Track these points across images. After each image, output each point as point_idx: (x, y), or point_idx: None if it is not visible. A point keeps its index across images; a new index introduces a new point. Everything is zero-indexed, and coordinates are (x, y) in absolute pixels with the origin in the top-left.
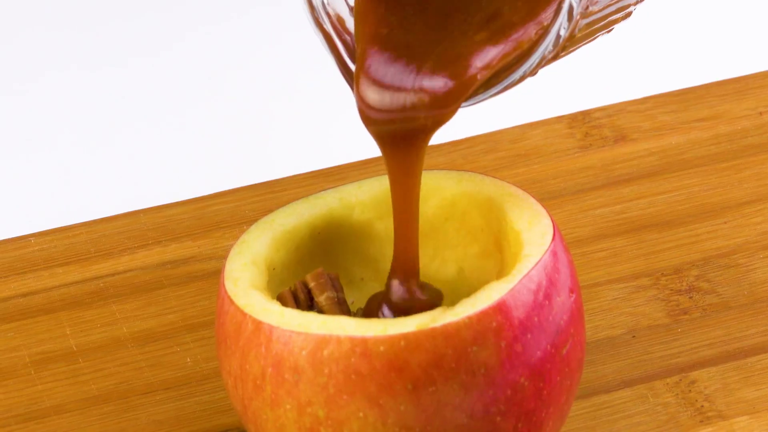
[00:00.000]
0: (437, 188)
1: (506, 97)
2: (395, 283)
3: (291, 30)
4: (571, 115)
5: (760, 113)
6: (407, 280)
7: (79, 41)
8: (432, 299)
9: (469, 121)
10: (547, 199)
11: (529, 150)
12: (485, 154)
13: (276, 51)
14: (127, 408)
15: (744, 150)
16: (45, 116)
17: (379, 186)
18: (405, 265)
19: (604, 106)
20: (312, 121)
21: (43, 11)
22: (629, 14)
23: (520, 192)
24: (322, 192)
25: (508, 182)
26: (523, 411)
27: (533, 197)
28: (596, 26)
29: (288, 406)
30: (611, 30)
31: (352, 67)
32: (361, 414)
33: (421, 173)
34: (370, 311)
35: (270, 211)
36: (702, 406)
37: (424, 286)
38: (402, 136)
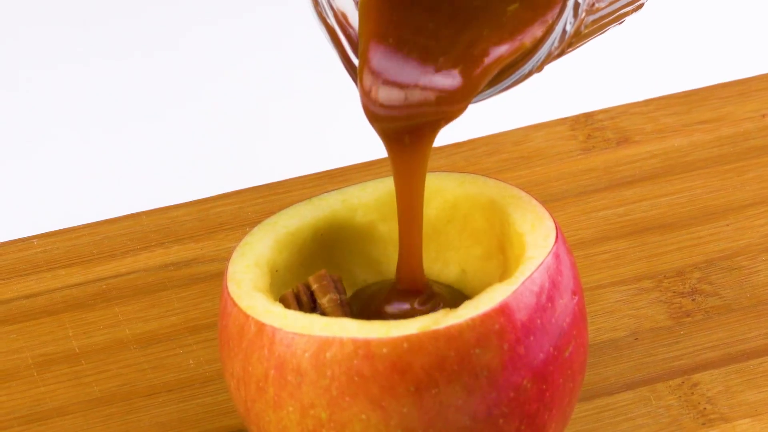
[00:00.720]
0: (439, 190)
1: (509, 99)
2: (401, 281)
3: (294, 31)
4: (573, 117)
5: (763, 115)
6: (412, 279)
7: (81, 42)
8: (436, 296)
9: (471, 123)
10: (550, 201)
11: (531, 152)
12: (488, 156)
13: (279, 52)
14: (129, 410)
15: (747, 152)
16: (47, 117)
17: (383, 188)
18: (409, 262)
19: (607, 108)
20: (315, 122)
21: (44, 12)
22: (641, 6)
23: (522, 194)
24: (325, 194)
25: (510, 184)
26: (525, 413)
27: (536, 199)
28: (604, 21)
29: (291, 408)
30: (623, 22)
31: (356, 62)
32: (363, 416)
33: (425, 171)
34: (372, 304)
35: (273, 212)
36: (704, 408)
37: (429, 286)
38: (408, 133)
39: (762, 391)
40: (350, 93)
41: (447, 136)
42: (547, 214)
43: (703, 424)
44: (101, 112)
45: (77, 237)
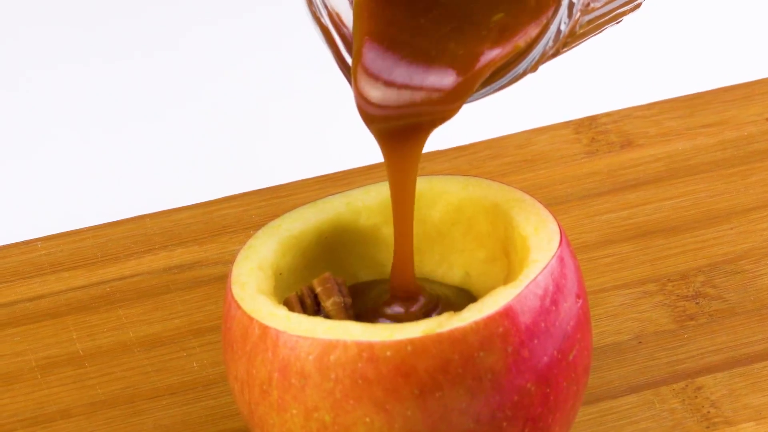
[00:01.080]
0: (443, 193)
1: (512, 102)
2: (395, 283)
3: (294, 31)
4: (577, 120)
5: (767, 119)
6: (405, 278)
7: (81, 42)
8: (431, 299)
9: (474, 127)
10: (554, 204)
11: (535, 155)
12: (491, 159)
13: (279, 52)
14: (133, 413)
15: (750, 156)
16: (47, 117)
17: (386, 191)
18: (402, 261)
19: (611, 111)
20: (319, 125)
21: (44, 12)
22: (638, 5)
23: (526, 197)
24: (329, 197)
25: (514, 187)
26: (529, 416)
27: (540, 202)
28: (600, 21)
29: (294, 411)
30: (620, 21)
31: (351, 62)
32: (367, 419)
33: (416, 171)
34: (371, 307)
35: (277, 215)
36: (708, 412)
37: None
38: (402, 133)
39: (766, 394)
40: (351, 94)
41: (450, 139)
42: (550, 218)
43: (707, 427)
44: (101, 112)
45: (81, 240)
